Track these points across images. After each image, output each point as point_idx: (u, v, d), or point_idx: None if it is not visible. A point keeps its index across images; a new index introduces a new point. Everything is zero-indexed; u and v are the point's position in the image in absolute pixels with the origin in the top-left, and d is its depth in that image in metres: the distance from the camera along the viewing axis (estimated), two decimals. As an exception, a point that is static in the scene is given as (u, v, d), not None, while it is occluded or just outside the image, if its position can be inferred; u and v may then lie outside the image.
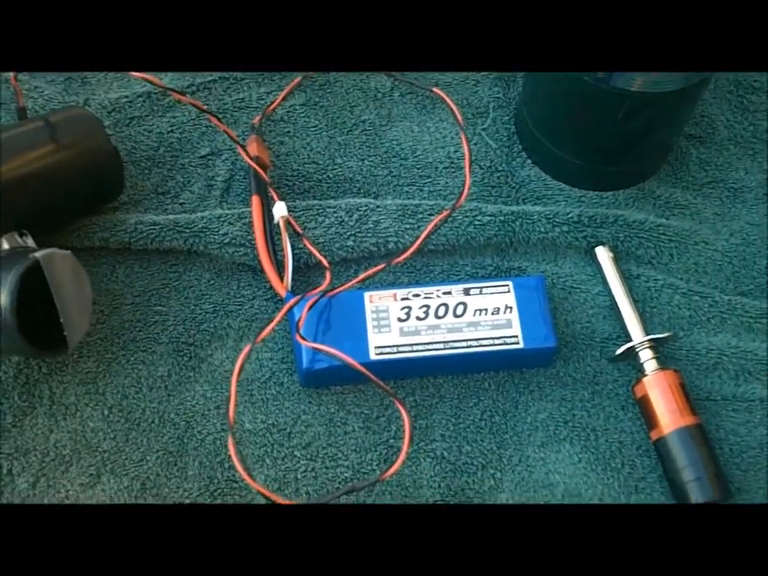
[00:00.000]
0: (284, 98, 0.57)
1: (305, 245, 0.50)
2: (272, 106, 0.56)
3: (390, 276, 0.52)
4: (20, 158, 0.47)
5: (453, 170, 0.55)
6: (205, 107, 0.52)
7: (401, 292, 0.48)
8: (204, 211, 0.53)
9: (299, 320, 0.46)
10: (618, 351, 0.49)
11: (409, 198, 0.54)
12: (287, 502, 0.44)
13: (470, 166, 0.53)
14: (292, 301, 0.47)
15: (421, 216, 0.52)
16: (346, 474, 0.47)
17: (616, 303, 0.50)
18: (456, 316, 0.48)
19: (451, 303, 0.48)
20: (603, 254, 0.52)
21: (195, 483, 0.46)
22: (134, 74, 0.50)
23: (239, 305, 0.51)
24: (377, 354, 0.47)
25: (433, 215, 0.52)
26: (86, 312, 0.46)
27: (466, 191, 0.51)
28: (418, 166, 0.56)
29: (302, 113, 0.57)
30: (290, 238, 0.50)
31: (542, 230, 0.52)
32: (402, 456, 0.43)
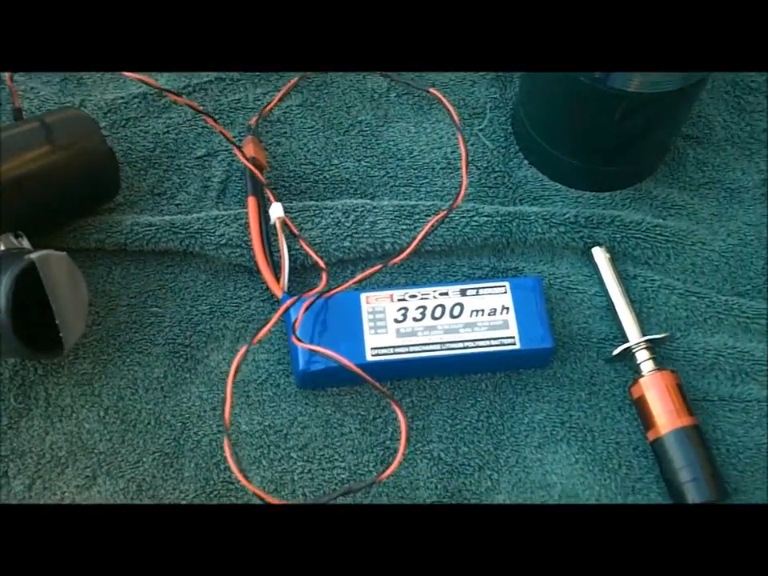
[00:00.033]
0: (280, 99, 0.57)
1: (301, 246, 0.50)
2: (268, 107, 0.56)
3: (387, 277, 0.52)
4: (15, 159, 0.46)
5: (449, 170, 0.55)
6: (201, 108, 0.52)
7: (397, 293, 0.48)
8: (200, 212, 0.53)
9: (295, 321, 0.46)
10: (615, 352, 0.49)
11: (405, 199, 0.54)
12: (283, 503, 0.44)
13: (467, 166, 0.53)
14: (288, 302, 0.47)
15: (417, 217, 0.52)
16: (343, 476, 0.47)
17: (613, 304, 0.50)
18: (453, 317, 0.48)
19: (448, 304, 0.48)
20: (600, 255, 0.52)
21: (191, 485, 0.46)
22: (129, 74, 0.50)
23: (235, 306, 0.51)
24: (373, 355, 0.46)
25: (429, 216, 0.52)
26: (81, 313, 0.46)
27: (462, 192, 0.51)
28: (414, 167, 0.55)
29: (299, 113, 0.57)
30: (286, 239, 0.50)
31: (539, 230, 0.52)
32: (399, 457, 0.43)
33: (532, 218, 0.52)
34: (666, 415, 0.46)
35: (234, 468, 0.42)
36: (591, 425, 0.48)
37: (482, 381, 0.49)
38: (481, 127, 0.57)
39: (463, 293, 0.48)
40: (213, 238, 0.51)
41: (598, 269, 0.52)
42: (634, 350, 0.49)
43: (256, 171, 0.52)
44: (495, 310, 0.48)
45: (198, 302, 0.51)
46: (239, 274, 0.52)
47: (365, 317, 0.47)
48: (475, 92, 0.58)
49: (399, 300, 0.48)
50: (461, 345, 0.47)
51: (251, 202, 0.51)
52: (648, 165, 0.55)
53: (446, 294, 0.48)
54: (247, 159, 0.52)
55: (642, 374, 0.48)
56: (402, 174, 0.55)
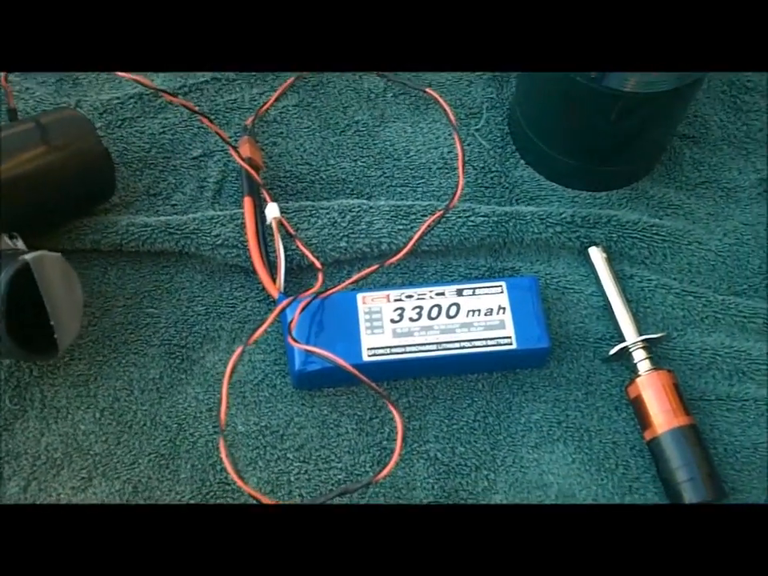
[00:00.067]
0: (277, 99, 0.57)
1: (297, 246, 0.50)
2: (264, 107, 0.56)
3: (383, 277, 0.52)
4: (11, 160, 0.46)
5: (446, 170, 0.55)
6: (196, 108, 0.52)
7: (394, 293, 0.48)
8: (196, 213, 0.53)
9: (291, 322, 0.46)
10: (612, 351, 0.49)
11: (402, 199, 0.54)
12: (279, 503, 0.44)
13: (464, 166, 0.53)
14: (284, 302, 0.47)
15: (414, 217, 0.52)
16: (339, 476, 0.47)
17: (609, 303, 0.50)
18: (449, 317, 0.48)
19: (444, 304, 0.48)
20: (596, 255, 0.52)
21: (187, 486, 0.46)
22: (124, 75, 0.50)
23: (231, 306, 0.51)
24: (370, 356, 0.46)
25: (426, 216, 0.52)
26: (76, 314, 0.46)
27: (459, 192, 0.51)
28: (411, 167, 0.55)
29: (295, 114, 0.57)
30: (282, 240, 0.50)
31: (536, 230, 0.52)
32: (395, 458, 0.43)
33: (528, 217, 0.52)
34: (662, 415, 0.46)
35: (229, 469, 0.42)
36: (588, 425, 0.48)
37: (478, 381, 0.49)
38: (477, 127, 0.57)
39: (460, 293, 0.48)
40: (209, 238, 0.51)
41: (594, 268, 0.52)
42: (630, 350, 0.49)
43: (252, 171, 0.51)
44: (492, 310, 0.48)
45: (193, 303, 0.51)
46: (235, 274, 0.52)
47: (361, 317, 0.47)
48: (472, 92, 0.58)
49: (396, 300, 0.48)
50: (457, 345, 0.47)
51: (247, 202, 0.51)
52: (644, 164, 0.55)
53: (443, 294, 0.48)
54: (243, 159, 0.52)
55: (639, 373, 0.48)
56: (398, 174, 0.55)
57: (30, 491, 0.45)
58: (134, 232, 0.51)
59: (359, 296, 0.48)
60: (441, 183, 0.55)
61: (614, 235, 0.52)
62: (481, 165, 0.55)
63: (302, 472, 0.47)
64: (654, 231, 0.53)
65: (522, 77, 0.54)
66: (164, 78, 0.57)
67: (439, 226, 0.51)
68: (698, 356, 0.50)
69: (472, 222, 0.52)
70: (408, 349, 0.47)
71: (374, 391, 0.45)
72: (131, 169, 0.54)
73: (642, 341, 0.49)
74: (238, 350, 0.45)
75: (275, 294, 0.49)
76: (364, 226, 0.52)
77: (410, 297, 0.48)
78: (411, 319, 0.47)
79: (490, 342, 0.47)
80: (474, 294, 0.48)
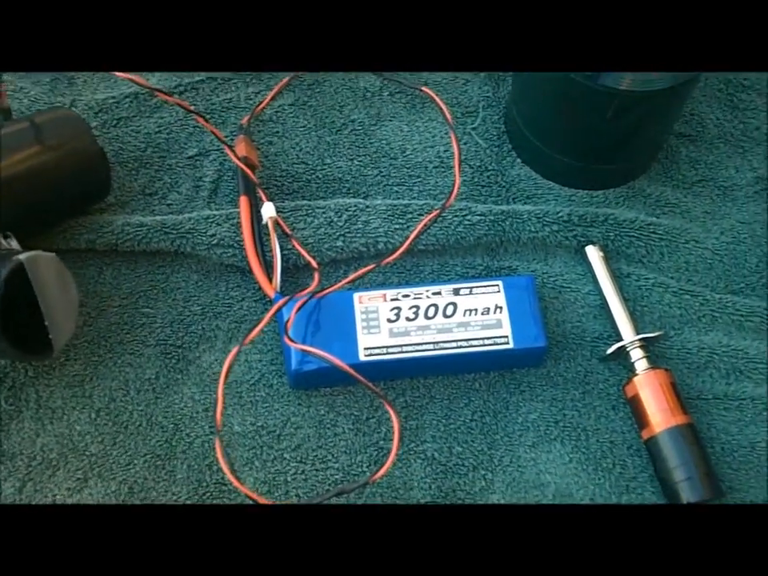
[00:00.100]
0: (272, 98, 0.57)
1: (293, 245, 0.50)
2: (260, 106, 0.56)
3: (380, 276, 0.52)
4: (5, 160, 0.46)
5: (442, 169, 0.55)
6: (192, 108, 0.52)
7: (390, 292, 0.48)
8: (192, 212, 0.52)
9: (288, 321, 0.46)
10: (609, 350, 0.49)
11: (398, 198, 0.54)
12: (276, 504, 0.43)
13: (460, 165, 0.53)
14: (280, 302, 0.47)
15: (410, 216, 0.52)
16: (336, 477, 0.46)
17: (606, 302, 0.50)
18: (446, 316, 0.47)
19: (441, 303, 0.48)
20: (593, 253, 0.52)
21: (183, 486, 0.46)
22: (119, 74, 0.50)
23: (228, 306, 0.51)
24: (366, 355, 0.46)
25: (422, 215, 0.52)
26: (71, 314, 0.46)
27: (455, 191, 0.50)
28: (407, 166, 0.55)
29: (291, 113, 0.57)
30: (278, 239, 0.49)
31: (532, 229, 0.52)
32: (392, 458, 0.43)
33: (525, 216, 0.52)
34: (660, 414, 0.46)
35: (225, 469, 0.42)
36: (585, 424, 0.48)
37: (475, 380, 0.49)
38: (474, 126, 0.57)
39: (456, 292, 0.48)
40: (204, 238, 0.51)
41: (591, 267, 0.52)
42: (627, 349, 0.49)
43: (248, 171, 0.51)
44: (488, 309, 0.48)
45: (189, 303, 0.51)
46: (231, 274, 0.51)
47: (358, 317, 0.47)
48: (468, 91, 0.58)
49: (392, 300, 0.48)
50: (454, 344, 0.47)
51: (243, 201, 0.51)
52: (641, 163, 0.55)
53: (439, 293, 0.48)
54: (239, 159, 0.52)
55: (636, 372, 0.48)
56: (394, 173, 0.55)
57: (25, 492, 0.45)
58: (129, 232, 0.50)
59: (356, 295, 0.48)
60: (437, 182, 0.55)
61: (610, 234, 0.52)
62: (477, 163, 0.55)
63: (299, 472, 0.46)
64: (651, 230, 0.53)
65: (518, 75, 0.54)
66: (159, 78, 0.57)
67: (436, 225, 0.51)
68: (695, 355, 0.50)
69: (468, 221, 0.52)
70: (405, 348, 0.47)
71: (370, 391, 0.45)
72: (127, 168, 0.54)
73: (639, 340, 0.48)
74: (234, 350, 0.45)
75: (271, 294, 0.48)
76: (360, 226, 0.52)
77: (406, 296, 0.48)
78: (408, 319, 0.47)
79: (486, 342, 0.47)
80: (470, 293, 0.48)
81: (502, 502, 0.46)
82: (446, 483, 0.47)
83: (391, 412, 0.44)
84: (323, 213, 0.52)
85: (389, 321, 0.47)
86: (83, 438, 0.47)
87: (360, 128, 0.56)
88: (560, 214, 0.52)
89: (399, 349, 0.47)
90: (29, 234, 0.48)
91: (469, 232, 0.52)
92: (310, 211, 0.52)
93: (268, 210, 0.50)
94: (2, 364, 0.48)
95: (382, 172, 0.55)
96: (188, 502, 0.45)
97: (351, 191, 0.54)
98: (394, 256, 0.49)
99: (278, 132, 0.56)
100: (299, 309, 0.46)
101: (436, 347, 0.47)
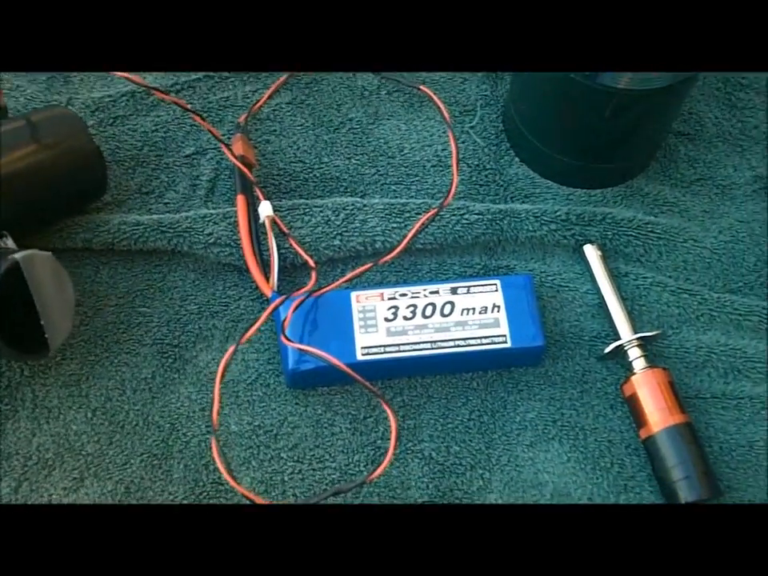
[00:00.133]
0: (270, 97, 0.56)
1: (291, 244, 0.50)
2: (258, 105, 0.56)
3: (377, 275, 0.52)
4: (1, 158, 0.46)
5: (440, 168, 0.55)
6: (189, 106, 0.52)
7: (388, 291, 0.48)
8: (189, 211, 0.52)
9: (285, 320, 0.46)
10: (607, 350, 0.49)
11: (396, 197, 0.54)
12: (273, 503, 0.43)
13: (458, 164, 0.53)
14: (277, 301, 0.47)
15: (408, 215, 0.52)
16: (333, 476, 0.46)
17: (604, 301, 0.50)
18: (443, 315, 0.47)
19: (438, 302, 0.48)
20: (591, 252, 0.51)
21: (180, 486, 0.46)
22: (116, 73, 0.49)
23: (224, 305, 0.50)
24: (363, 355, 0.46)
25: (420, 214, 0.51)
26: (67, 314, 0.46)
27: (453, 189, 0.50)
28: (405, 165, 0.55)
29: (288, 111, 0.57)
30: (275, 238, 0.49)
31: (530, 228, 0.52)
32: (389, 457, 0.43)
33: (523, 215, 0.52)
34: (658, 413, 0.46)
35: (222, 469, 0.42)
36: (583, 423, 0.48)
37: (473, 379, 0.49)
38: (472, 125, 0.57)
39: (454, 291, 0.48)
40: (201, 236, 0.50)
41: (589, 266, 0.51)
42: (625, 348, 0.48)
43: (245, 169, 0.51)
44: (486, 308, 0.48)
45: (186, 302, 0.50)
46: (228, 273, 0.51)
47: (355, 316, 0.47)
48: (466, 89, 0.58)
49: (390, 299, 0.48)
50: (452, 343, 0.47)
51: (240, 200, 0.51)
52: (639, 162, 0.55)
53: (437, 292, 0.48)
54: (236, 157, 0.51)
55: (634, 371, 0.48)
56: (392, 171, 0.55)
57: (21, 492, 0.45)
58: (126, 231, 0.50)
59: (353, 294, 0.48)
60: (435, 181, 0.55)
61: (608, 233, 0.52)
62: (475, 162, 0.55)
63: (296, 472, 0.46)
64: (649, 229, 0.53)
65: (516, 74, 0.54)
66: (156, 76, 0.57)
67: (433, 224, 0.51)
68: (693, 354, 0.50)
69: (466, 219, 0.52)
70: (402, 347, 0.47)
71: (368, 390, 0.45)
72: (123, 167, 0.54)
73: (637, 339, 0.48)
74: (231, 349, 0.44)
75: (268, 293, 0.48)
76: (358, 224, 0.51)
77: (404, 295, 0.48)
78: (405, 318, 0.47)
79: (484, 341, 0.47)
80: (468, 292, 0.48)
81: (500, 501, 0.46)
82: (443, 483, 0.46)
83: (388, 411, 0.44)
84: (320, 212, 0.52)
85: (386, 320, 0.47)
86: (79, 438, 0.47)
87: (358, 127, 0.56)
88: (558, 213, 0.52)
89: (396, 348, 0.46)
90: (25, 232, 0.47)
91: (467, 231, 0.52)
92: (308, 210, 0.52)
93: (265, 209, 0.50)
94: (-2, 363, 0.48)
95: (379, 171, 0.55)
96: (185, 502, 0.45)
97: (349, 190, 0.54)
98: (392, 255, 0.49)
99: (275, 130, 0.56)
100: (296, 308, 0.46)
101: (433, 346, 0.47)
